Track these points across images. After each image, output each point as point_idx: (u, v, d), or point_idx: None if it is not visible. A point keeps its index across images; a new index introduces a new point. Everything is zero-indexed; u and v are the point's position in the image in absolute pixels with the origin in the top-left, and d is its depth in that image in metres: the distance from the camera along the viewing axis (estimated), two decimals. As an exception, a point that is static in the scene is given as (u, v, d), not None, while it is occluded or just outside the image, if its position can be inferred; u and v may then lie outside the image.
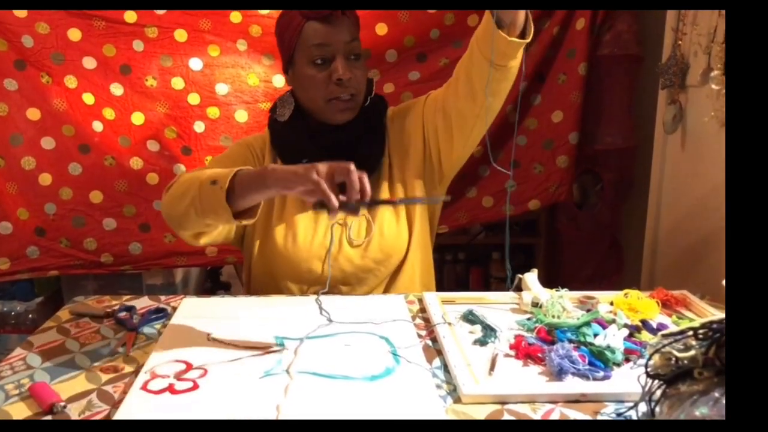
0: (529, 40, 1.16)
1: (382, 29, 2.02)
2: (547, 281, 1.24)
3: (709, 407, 0.71)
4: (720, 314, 0.83)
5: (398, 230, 1.37)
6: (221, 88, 2.00)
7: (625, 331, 1.06)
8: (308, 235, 1.34)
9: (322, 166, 0.97)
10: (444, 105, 1.34)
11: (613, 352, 0.98)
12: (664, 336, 0.81)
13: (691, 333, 0.78)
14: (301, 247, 1.33)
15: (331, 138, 1.34)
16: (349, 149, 1.34)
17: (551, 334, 1.06)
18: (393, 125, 1.43)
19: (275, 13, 1.35)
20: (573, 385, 0.92)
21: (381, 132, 1.40)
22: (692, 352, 0.76)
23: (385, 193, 1.38)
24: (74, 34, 1.90)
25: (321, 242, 1.34)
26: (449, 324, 1.11)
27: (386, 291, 1.39)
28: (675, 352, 0.77)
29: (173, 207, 1.18)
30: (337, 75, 1.26)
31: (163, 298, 1.29)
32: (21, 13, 1.85)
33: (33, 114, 1.92)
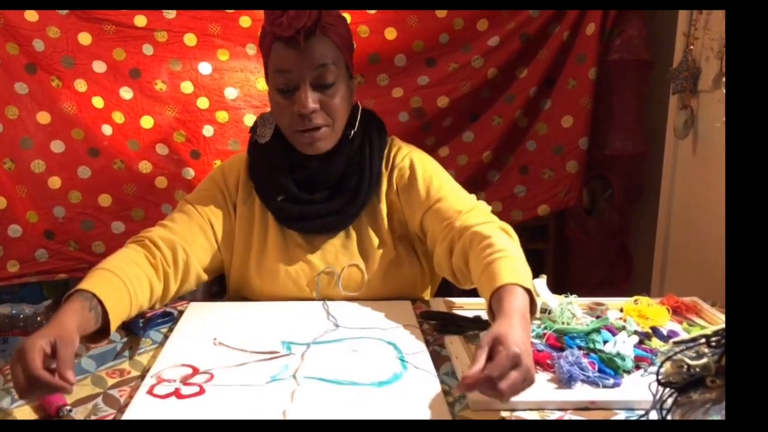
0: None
1: (391, 34, 2.02)
2: (556, 287, 1.22)
3: (722, 416, 0.70)
4: (732, 322, 0.81)
5: (395, 276, 1.27)
6: (230, 93, 2.00)
7: (635, 338, 1.05)
8: (288, 282, 1.25)
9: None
10: (428, 242, 1.24)
11: (623, 359, 0.97)
12: (676, 343, 0.79)
13: (703, 340, 0.77)
14: (281, 291, 1.25)
15: (314, 170, 1.23)
16: (335, 184, 1.24)
17: (560, 340, 1.05)
18: (396, 173, 1.27)
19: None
20: (582, 392, 0.91)
21: (376, 168, 1.25)
22: (704, 360, 0.74)
23: (368, 239, 1.26)
24: (84, 38, 1.91)
25: (303, 290, 1.26)
26: (457, 330, 1.10)
27: None
28: (687, 360, 0.75)
29: None
30: (297, 107, 1.14)
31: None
32: (32, 17, 1.86)
33: (43, 117, 1.93)
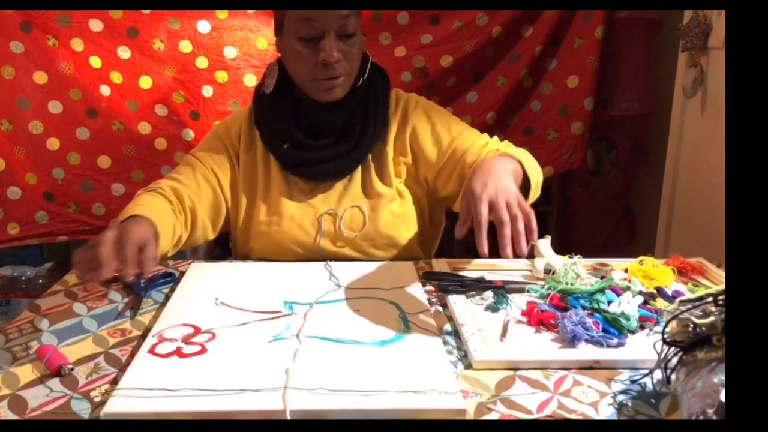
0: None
1: (393, -10, 1.97)
2: (559, 250, 1.21)
3: (728, 375, 0.69)
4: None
5: (396, 218, 1.29)
6: (229, 52, 1.97)
7: (640, 298, 1.04)
8: (293, 225, 1.27)
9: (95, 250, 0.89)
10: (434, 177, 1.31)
11: (627, 319, 0.96)
12: (683, 302, 0.79)
13: (710, 299, 0.76)
14: (287, 233, 1.27)
15: (319, 118, 1.25)
16: (337, 131, 1.26)
17: (564, 300, 1.04)
18: (406, 120, 1.31)
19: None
20: (586, 351, 0.90)
21: (381, 114, 1.28)
22: (711, 319, 0.73)
23: (376, 181, 1.28)
24: (80, -5, 1.86)
25: (307, 232, 1.27)
26: (459, 290, 1.09)
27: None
28: (693, 319, 0.74)
29: None
30: (323, 56, 1.15)
31: (171, 262, 1.28)
32: (25, -26, 1.82)
33: (40, 77, 1.90)
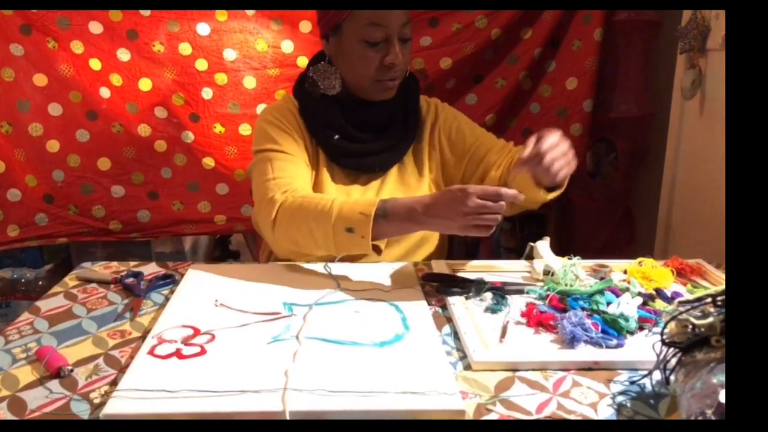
0: (560, 192, 1.29)
1: (392, -7, 1.97)
2: (559, 251, 1.21)
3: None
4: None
5: None
6: (229, 54, 1.97)
7: (639, 300, 1.04)
8: None
9: (471, 201, 1.03)
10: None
11: (626, 320, 0.96)
12: (681, 303, 0.79)
13: (709, 300, 0.76)
14: None
15: (364, 114, 1.33)
16: (381, 126, 1.35)
17: (563, 302, 1.04)
18: (437, 119, 1.42)
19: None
20: (585, 353, 0.90)
21: (414, 113, 1.39)
22: (710, 320, 0.74)
23: (412, 174, 1.38)
24: (79, -2, 1.87)
25: None
26: (458, 291, 1.10)
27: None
28: (692, 320, 0.75)
29: (297, 246, 1.20)
30: (391, 60, 1.23)
31: (170, 264, 1.28)
32: (25, -23, 1.82)
33: (40, 80, 1.91)
